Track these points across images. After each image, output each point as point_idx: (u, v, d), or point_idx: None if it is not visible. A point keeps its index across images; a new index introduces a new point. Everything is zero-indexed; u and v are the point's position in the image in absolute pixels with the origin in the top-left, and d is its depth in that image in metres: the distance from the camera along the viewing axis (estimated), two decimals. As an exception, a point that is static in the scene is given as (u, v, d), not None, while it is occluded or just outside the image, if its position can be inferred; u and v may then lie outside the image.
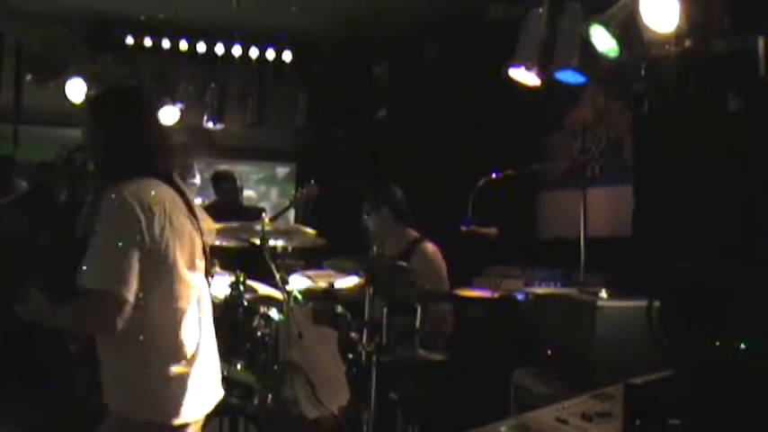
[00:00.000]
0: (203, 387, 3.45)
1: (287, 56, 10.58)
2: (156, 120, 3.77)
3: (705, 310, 2.53)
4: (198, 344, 3.43)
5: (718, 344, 2.30)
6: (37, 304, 3.21)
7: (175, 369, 3.32)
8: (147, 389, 3.30)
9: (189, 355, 3.38)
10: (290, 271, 5.83)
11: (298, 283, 5.78)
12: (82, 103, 3.23)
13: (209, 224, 3.67)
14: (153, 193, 3.33)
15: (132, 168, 3.40)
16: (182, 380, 3.35)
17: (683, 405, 2.18)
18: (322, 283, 5.92)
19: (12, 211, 7.69)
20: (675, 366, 2.33)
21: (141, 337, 3.26)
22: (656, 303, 2.67)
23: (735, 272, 2.70)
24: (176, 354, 3.35)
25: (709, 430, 2.13)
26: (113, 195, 3.23)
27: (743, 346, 2.18)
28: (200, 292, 3.50)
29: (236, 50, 10.39)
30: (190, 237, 3.47)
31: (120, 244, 3.16)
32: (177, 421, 3.32)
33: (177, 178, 3.56)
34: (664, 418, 2.14)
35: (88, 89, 9.67)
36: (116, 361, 3.34)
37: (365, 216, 6.36)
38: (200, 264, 3.54)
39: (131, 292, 3.14)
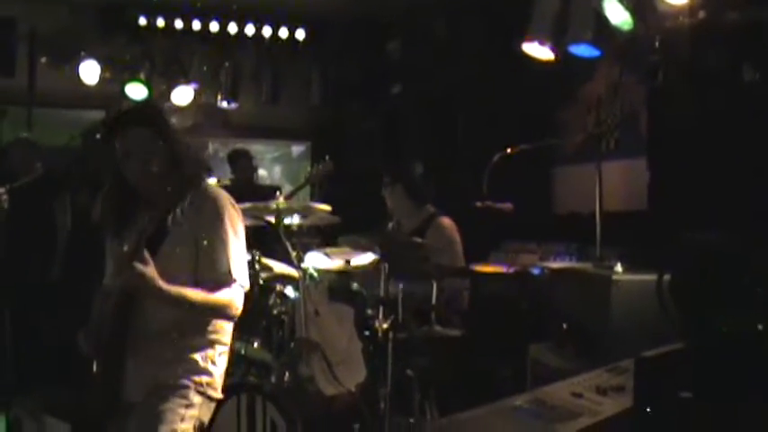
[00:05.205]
0: None
1: (300, 34, 10.55)
2: None
3: (719, 281, 2.52)
4: None
5: (731, 316, 2.30)
6: (151, 274, 3.41)
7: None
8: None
9: None
10: (306, 249, 5.83)
11: (313, 260, 5.79)
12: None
13: None
14: None
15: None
16: None
17: (695, 378, 2.18)
18: (338, 261, 5.93)
19: (29, 193, 7.70)
20: (688, 339, 2.32)
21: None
22: (667, 276, 2.66)
23: (750, 244, 2.68)
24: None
25: (720, 403, 2.13)
26: (228, 198, 3.75)
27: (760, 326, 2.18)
28: None
29: (250, 30, 10.38)
30: None
31: (243, 244, 3.75)
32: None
33: None
34: (675, 391, 2.14)
35: (102, 71, 9.68)
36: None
37: (383, 191, 6.36)
38: None
39: None
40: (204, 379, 3.64)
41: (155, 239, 3.47)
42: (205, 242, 3.59)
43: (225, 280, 3.59)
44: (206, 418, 3.69)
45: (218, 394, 3.73)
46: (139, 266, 3.34)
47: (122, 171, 3.65)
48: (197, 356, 3.64)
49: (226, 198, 3.73)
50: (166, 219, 3.51)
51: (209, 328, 3.69)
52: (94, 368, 3.60)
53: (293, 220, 5.57)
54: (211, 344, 3.70)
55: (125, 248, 3.45)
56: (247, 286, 3.73)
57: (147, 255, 3.37)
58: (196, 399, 3.60)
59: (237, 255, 3.67)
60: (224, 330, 3.76)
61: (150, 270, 3.36)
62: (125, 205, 3.73)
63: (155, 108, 4.11)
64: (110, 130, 3.70)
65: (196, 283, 3.56)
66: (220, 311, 3.64)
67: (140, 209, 3.68)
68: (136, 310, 3.56)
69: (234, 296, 3.62)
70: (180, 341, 3.62)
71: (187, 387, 3.59)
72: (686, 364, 2.21)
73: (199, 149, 3.96)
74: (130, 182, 3.66)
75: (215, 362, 3.70)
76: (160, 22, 10.07)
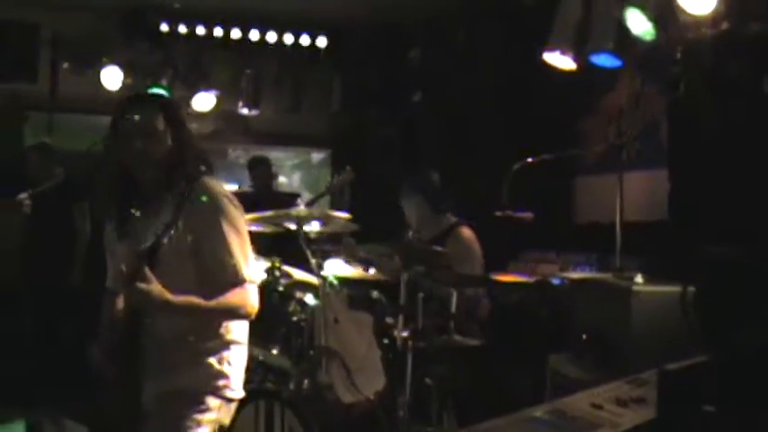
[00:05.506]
0: None
1: (321, 42, 10.58)
2: None
3: (742, 294, 2.51)
4: None
5: (755, 329, 2.29)
6: (156, 291, 3.34)
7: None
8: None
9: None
10: (326, 256, 5.84)
11: (333, 268, 5.80)
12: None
13: None
14: None
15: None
16: None
17: (719, 392, 2.17)
18: (358, 269, 5.93)
19: (51, 199, 7.76)
20: (711, 352, 2.31)
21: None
22: (691, 289, 2.66)
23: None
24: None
25: (743, 418, 2.12)
26: (225, 193, 3.66)
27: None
28: None
29: (271, 37, 10.40)
30: None
31: (247, 239, 3.67)
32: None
33: None
34: (699, 405, 2.13)
35: (124, 77, 9.74)
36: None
37: (401, 201, 6.36)
38: None
39: None
40: (221, 382, 3.62)
41: (153, 248, 3.38)
42: (207, 245, 3.54)
43: (234, 281, 3.54)
44: (226, 420, 3.67)
45: (237, 394, 3.71)
46: (142, 286, 3.28)
47: (124, 154, 3.56)
48: (212, 360, 3.61)
49: (222, 195, 3.64)
50: (164, 229, 3.38)
51: (222, 330, 3.65)
52: (110, 374, 3.59)
53: (313, 228, 5.57)
54: (227, 345, 3.66)
55: (123, 268, 3.37)
56: (259, 280, 3.69)
57: (148, 271, 3.30)
58: (213, 402, 3.58)
59: (242, 252, 3.60)
60: (238, 329, 3.72)
61: (154, 287, 3.30)
62: (123, 197, 3.66)
63: (170, 99, 4.03)
64: (121, 106, 3.63)
65: (203, 286, 3.51)
66: (234, 313, 3.61)
67: (137, 202, 3.63)
68: (147, 317, 3.52)
69: (246, 295, 3.57)
70: (195, 345, 3.59)
71: (204, 392, 3.57)
72: (710, 378, 2.21)
73: (207, 152, 3.86)
74: (131, 166, 3.57)
75: (231, 362, 3.67)
76: (182, 29, 10.12)
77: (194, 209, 3.50)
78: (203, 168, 3.70)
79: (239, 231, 3.62)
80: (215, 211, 3.57)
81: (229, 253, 3.54)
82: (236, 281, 3.54)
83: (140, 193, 3.64)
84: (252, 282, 3.61)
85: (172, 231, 3.38)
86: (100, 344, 3.63)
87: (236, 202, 3.68)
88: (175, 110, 3.71)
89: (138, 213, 3.61)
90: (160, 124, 3.56)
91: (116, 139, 3.58)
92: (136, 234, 3.57)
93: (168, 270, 3.43)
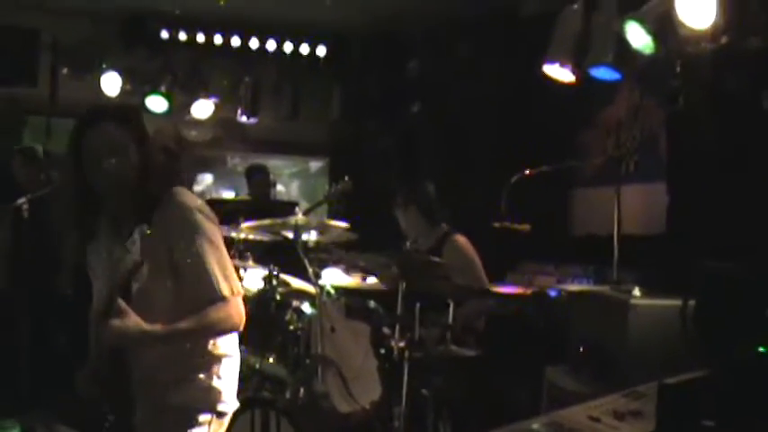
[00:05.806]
0: None
1: (321, 50, 10.58)
2: None
3: (741, 309, 2.51)
4: None
5: (754, 344, 2.29)
6: (132, 325, 3.22)
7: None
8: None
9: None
10: (323, 265, 5.84)
11: (330, 277, 5.80)
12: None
13: None
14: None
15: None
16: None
17: (718, 406, 2.17)
18: (355, 278, 5.93)
19: (48, 204, 7.73)
20: (710, 366, 2.31)
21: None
22: (691, 303, 2.66)
23: (770, 271, 2.67)
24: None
25: (743, 432, 2.12)
26: (198, 206, 3.47)
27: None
28: None
29: (271, 45, 10.40)
30: None
31: (225, 252, 3.50)
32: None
33: None
34: (697, 419, 2.13)
35: (123, 83, 9.74)
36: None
37: (395, 211, 6.36)
38: None
39: None
40: (212, 397, 3.54)
41: (126, 282, 3.25)
42: (183, 263, 3.39)
43: (212, 297, 3.38)
44: None
45: (230, 407, 3.62)
46: (116, 322, 3.16)
47: (86, 173, 3.38)
48: (202, 376, 3.52)
49: (195, 209, 3.45)
50: (134, 266, 3.20)
51: (210, 346, 3.54)
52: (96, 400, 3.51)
53: (311, 237, 5.57)
54: (217, 359, 3.56)
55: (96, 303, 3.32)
56: (241, 291, 3.52)
57: (122, 304, 3.18)
58: (204, 418, 3.51)
59: (220, 266, 3.43)
60: (227, 341, 3.61)
61: (130, 321, 3.19)
62: (91, 224, 3.54)
63: (134, 109, 3.77)
64: (82, 123, 3.45)
65: (182, 305, 3.38)
66: (216, 330, 3.47)
67: (107, 227, 3.53)
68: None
69: (228, 311, 3.42)
70: (183, 363, 3.49)
71: (195, 408, 3.51)
72: (709, 392, 2.21)
73: (177, 163, 3.70)
74: (101, 189, 3.40)
75: (221, 376, 3.58)
76: (182, 36, 10.11)
77: (167, 227, 3.39)
78: (174, 181, 3.54)
79: (215, 245, 3.45)
80: (189, 227, 3.41)
81: (206, 270, 3.39)
82: (215, 297, 3.38)
83: (109, 218, 3.53)
84: (234, 294, 3.45)
85: (143, 267, 3.25)
86: (88, 367, 3.53)
87: (209, 213, 3.51)
88: (139, 120, 3.51)
89: (110, 238, 3.51)
90: (126, 138, 3.39)
91: (79, 163, 3.41)
92: (108, 259, 3.48)
93: (145, 296, 3.35)
